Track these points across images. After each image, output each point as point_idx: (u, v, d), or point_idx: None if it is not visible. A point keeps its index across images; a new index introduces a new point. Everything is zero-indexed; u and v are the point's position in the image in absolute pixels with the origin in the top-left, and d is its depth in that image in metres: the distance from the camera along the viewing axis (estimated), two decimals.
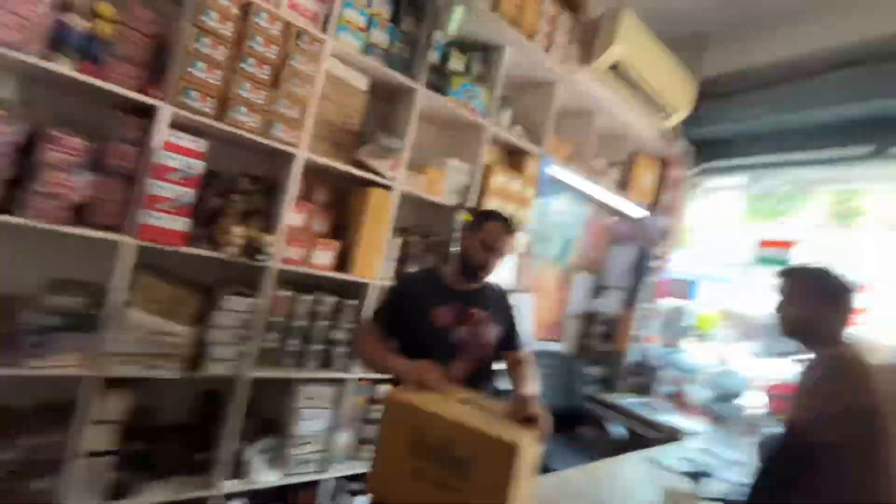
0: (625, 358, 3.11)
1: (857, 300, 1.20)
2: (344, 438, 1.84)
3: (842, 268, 1.21)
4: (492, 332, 1.34)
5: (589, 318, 3.33)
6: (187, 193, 1.35)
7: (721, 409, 3.06)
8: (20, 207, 1.15)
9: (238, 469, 1.61)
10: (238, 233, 1.47)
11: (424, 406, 0.95)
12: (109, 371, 1.28)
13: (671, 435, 2.42)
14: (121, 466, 1.39)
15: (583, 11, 2.28)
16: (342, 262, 1.77)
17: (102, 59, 1.25)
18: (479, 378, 1.31)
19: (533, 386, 1.23)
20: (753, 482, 1.11)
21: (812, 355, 1.18)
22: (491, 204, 2.15)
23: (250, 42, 1.40)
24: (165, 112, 1.30)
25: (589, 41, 2.32)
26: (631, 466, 1.71)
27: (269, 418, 1.82)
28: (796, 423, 1.08)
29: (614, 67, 2.33)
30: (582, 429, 2.75)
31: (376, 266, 1.80)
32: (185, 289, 1.45)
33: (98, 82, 1.22)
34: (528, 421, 1.00)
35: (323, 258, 1.67)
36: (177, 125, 1.36)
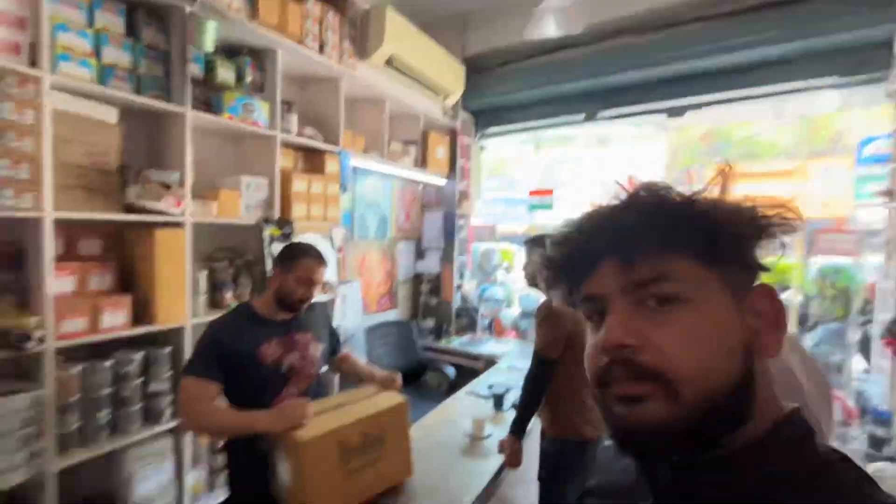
0: (451, 306, 3.67)
1: None
2: (193, 478, 1.84)
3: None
4: (318, 350, 1.48)
5: (416, 280, 3.76)
6: None
7: (526, 324, 3.96)
8: None
9: None
10: None
11: (330, 428, 1.17)
12: None
13: (489, 362, 3.07)
14: None
15: (349, 6, 2.34)
16: (141, 315, 1.65)
17: None
18: (314, 392, 1.47)
19: (369, 366, 1.60)
20: (522, 388, 1.62)
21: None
22: (297, 209, 2.20)
23: None
24: None
25: (363, 37, 2.42)
26: (456, 403, 2.19)
27: (94, 498, 1.68)
28: (537, 347, 1.60)
29: (389, 62, 2.50)
30: (426, 377, 3.24)
31: (182, 308, 1.73)
32: None
33: None
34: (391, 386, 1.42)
35: (113, 319, 1.53)
36: None
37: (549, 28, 2.94)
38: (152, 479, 1.68)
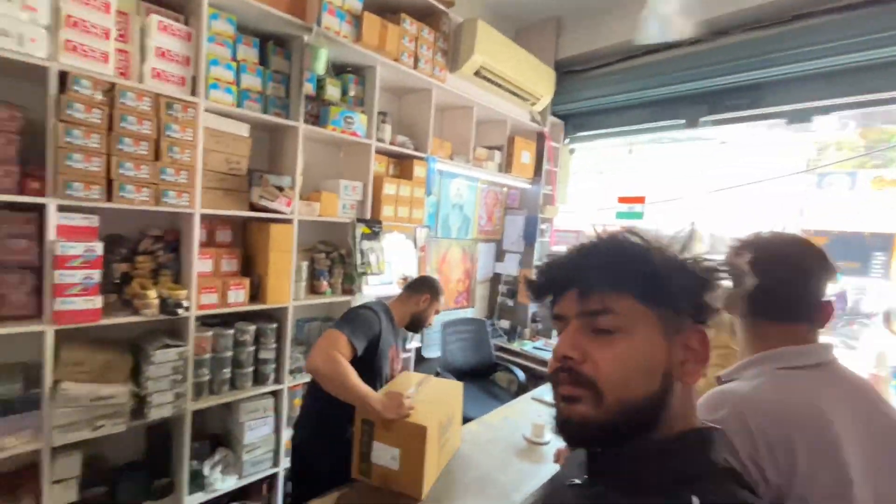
0: (527, 310, 3.69)
1: None
2: (287, 435, 2.17)
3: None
4: (401, 360, 1.79)
5: (494, 281, 3.84)
6: (93, 274, 1.49)
7: None
8: None
9: (198, 484, 1.89)
10: (152, 293, 1.64)
11: (437, 416, 1.36)
12: (56, 441, 1.46)
13: None
14: None
15: (443, 21, 2.49)
16: (256, 294, 2.00)
17: None
18: None
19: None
20: None
21: None
22: (386, 211, 2.44)
23: (122, 123, 1.50)
24: (51, 208, 1.40)
25: (455, 49, 2.56)
26: (521, 406, 2.25)
27: (217, 434, 2.10)
28: None
29: (479, 73, 2.61)
30: (495, 377, 3.33)
31: (287, 291, 2.05)
32: (113, 352, 1.62)
33: None
34: None
35: (237, 296, 1.89)
36: (66, 207, 1.46)
37: (656, 33, 2.78)
38: (258, 429, 2.04)
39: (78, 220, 1.54)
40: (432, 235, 3.18)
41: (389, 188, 2.44)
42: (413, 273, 2.69)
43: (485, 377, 3.25)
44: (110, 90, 1.47)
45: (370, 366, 1.51)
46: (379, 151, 2.47)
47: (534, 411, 2.15)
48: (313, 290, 2.26)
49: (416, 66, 2.37)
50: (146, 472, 1.85)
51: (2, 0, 1.27)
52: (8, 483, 1.51)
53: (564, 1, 3.05)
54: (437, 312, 1.73)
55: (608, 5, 2.96)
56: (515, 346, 3.43)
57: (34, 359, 1.47)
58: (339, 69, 2.25)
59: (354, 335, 1.40)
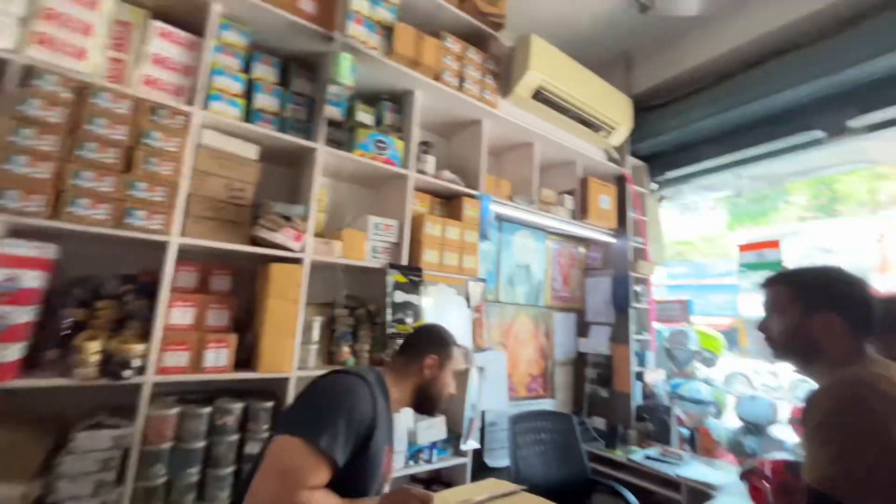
0: (630, 402, 2.72)
1: (872, 300, 0.92)
2: None
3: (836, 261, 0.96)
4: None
5: (578, 362, 2.98)
6: (11, 313, 1.09)
7: (751, 444, 2.64)
8: None
9: None
10: (92, 347, 1.19)
11: None
12: None
13: (698, 496, 2.00)
14: None
15: (492, 44, 2.19)
16: (248, 359, 1.48)
17: None
18: None
19: None
20: None
21: (814, 385, 0.89)
22: (428, 256, 1.91)
23: (88, 125, 1.22)
24: None
25: (506, 73, 2.22)
26: None
27: None
28: (817, 477, 0.76)
29: (538, 95, 2.21)
30: (594, 502, 2.30)
31: (289, 355, 1.50)
32: (25, 432, 1.14)
33: None
34: None
35: (217, 358, 1.38)
36: (16, 232, 1.14)
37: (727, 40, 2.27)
38: None
39: (24, 248, 1.20)
40: (492, 298, 2.54)
41: (432, 228, 1.94)
42: (468, 342, 2.03)
43: (577, 501, 2.24)
44: (82, 89, 1.22)
45: (353, 481, 0.87)
46: (420, 188, 2.04)
47: None
48: (330, 358, 1.70)
49: (461, 88, 2.02)
50: None
51: None
52: None
53: (631, 33, 2.69)
54: (454, 377, 1.15)
55: (682, 27, 2.53)
56: (619, 455, 2.43)
57: None
58: (371, 98, 1.97)
59: (332, 439, 0.81)
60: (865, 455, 0.74)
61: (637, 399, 2.75)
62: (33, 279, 1.14)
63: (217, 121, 1.48)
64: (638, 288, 2.88)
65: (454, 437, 1.97)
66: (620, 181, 2.90)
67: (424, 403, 1.09)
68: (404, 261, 1.86)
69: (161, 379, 1.29)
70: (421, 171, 1.98)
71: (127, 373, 1.21)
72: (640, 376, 2.80)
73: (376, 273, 1.81)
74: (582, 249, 3.14)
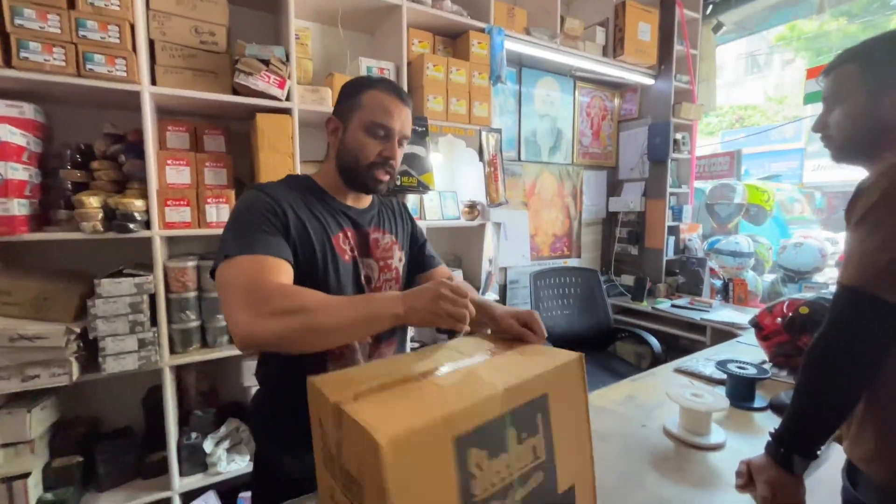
0: (661, 257, 2.63)
1: None
2: None
3: None
4: (400, 261, 0.92)
5: (608, 221, 2.85)
6: (1, 168, 1.09)
7: (790, 292, 2.54)
8: None
9: (198, 463, 1.45)
10: (92, 203, 1.21)
11: (442, 413, 0.43)
12: None
13: (723, 335, 1.98)
14: (54, 485, 1.26)
15: None
16: None
17: None
18: (392, 332, 0.88)
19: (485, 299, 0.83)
20: (806, 367, 0.70)
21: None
22: (432, 103, 1.73)
23: None
24: None
25: None
26: (659, 382, 1.33)
27: (232, 402, 1.65)
28: (852, 275, 0.65)
29: None
30: (616, 348, 2.38)
31: None
32: (54, 282, 1.23)
33: None
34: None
35: (219, 213, 1.38)
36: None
37: None
38: None
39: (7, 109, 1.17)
40: (512, 156, 2.37)
41: (434, 71, 1.72)
42: (482, 198, 1.94)
43: (600, 348, 2.33)
44: None
45: (321, 275, 0.77)
46: (418, 24, 1.77)
47: (679, 391, 1.22)
48: None
49: None
50: (139, 442, 1.46)
51: None
52: None
53: None
54: (381, 128, 0.79)
55: None
56: (644, 305, 2.42)
57: None
58: None
59: (258, 247, 0.67)
60: None
61: (669, 254, 2.65)
62: (12, 134, 1.11)
63: None
64: (679, 136, 2.57)
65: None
66: (667, 4, 2.40)
67: (349, 178, 0.82)
68: None
69: (167, 233, 1.32)
70: (416, 1, 1.69)
71: (132, 226, 1.23)
72: (673, 231, 2.65)
73: None
74: (617, 99, 2.78)
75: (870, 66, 0.74)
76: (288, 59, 1.46)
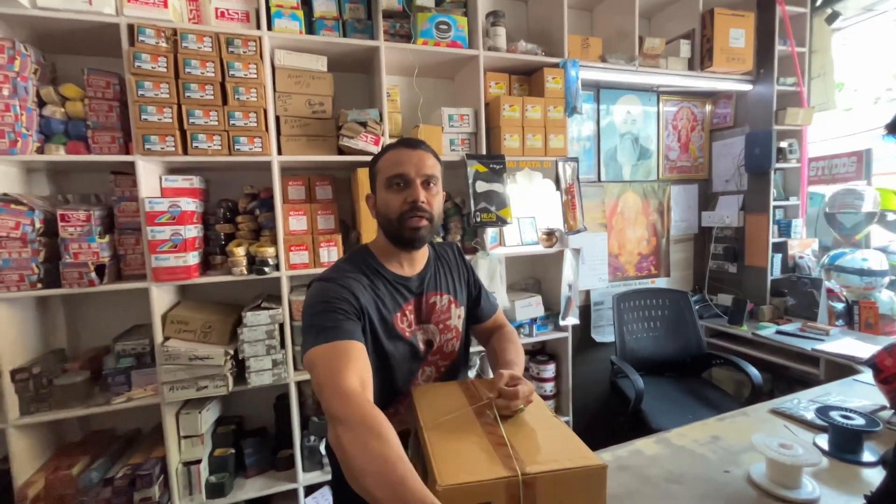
0: (764, 276, 2.41)
1: None
2: None
3: None
4: (459, 318, 0.97)
5: (701, 238, 2.68)
6: (180, 231, 1.45)
7: None
8: (56, 279, 1.37)
9: (316, 461, 1.73)
10: (240, 251, 1.54)
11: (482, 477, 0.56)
12: (168, 398, 1.47)
13: (839, 369, 1.79)
14: (216, 470, 1.62)
15: None
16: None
17: (83, 134, 1.41)
18: (453, 376, 0.99)
19: (514, 360, 0.93)
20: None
21: None
22: (509, 142, 1.84)
23: (187, 69, 1.41)
24: (139, 164, 1.41)
25: None
26: (749, 423, 1.29)
27: None
28: None
29: None
30: (710, 375, 2.25)
31: None
32: (215, 313, 1.59)
33: (86, 157, 1.39)
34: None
35: (329, 255, 1.65)
36: (172, 170, 1.48)
37: None
38: None
39: (179, 181, 1.56)
40: (591, 179, 2.38)
41: (510, 111, 1.84)
42: (562, 225, 2.00)
43: (692, 375, 2.22)
44: (173, 34, 1.40)
45: (381, 356, 0.85)
46: (495, 67, 1.90)
47: (771, 435, 1.17)
48: None
49: None
50: (273, 440, 1.79)
51: None
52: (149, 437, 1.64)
53: None
54: (399, 180, 0.84)
55: None
56: (744, 330, 2.26)
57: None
58: None
59: (337, 333, 0.73)
60: None
61: (775, 273, 2.42)
62: (188, 204, 1.48)
63: (284, 39, 1.56)
64: (784, 144, 2.34)
65: (553, 315, 2.06)
66: (764, 4, 2.22)
67: (392, 239, 0.88)
68: (483, 149, 1.84)
69: (292, 273, 1.61)
70: (492, 49, 1.82)
71: (267, 269, 1.55)
72: (780, 248, 2.42)
73: (456, 166, 1.83)
74: (708, 107, 2.62)
75: None
76: (381, 118, 1.68)
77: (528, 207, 1.99)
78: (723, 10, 2.13)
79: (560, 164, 1.97)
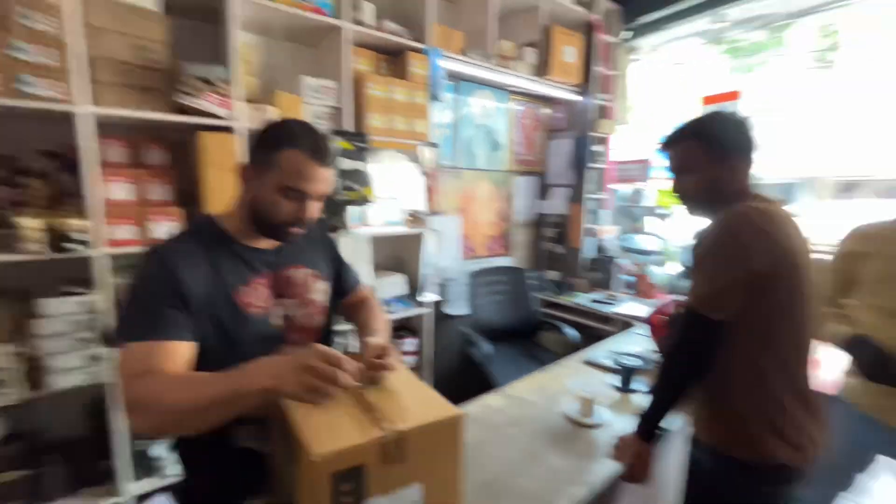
0: (579, 255, 2.96)
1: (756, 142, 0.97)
2: None
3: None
4: (321, 292, 0.96)
5: (537, 223, 3.13)
6: None
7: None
8: None
9: (146, 466, 1.51)
10: (34, 224, 1.21)
11: (354, 442, 0.59)
12: None
13: (626, 326, 2.33)
14: (7, 496, 1.28)
15: None
16: None
17: None
18: None
19: (378, 328, 0.97)
20: (662, 365, 0.97)
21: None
22: (374, 121, 1.84)
23: None
24: None
25: None
26: (565, 372, 1.60)
27: None
28: (692, 298, 0.91)
29: None
30: (540, 338, 2.69)
31: None
32: None
33: None
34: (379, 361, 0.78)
35: (164, 230, 1.42)
36: None
37: None
38: None
39: None
40: (450, 165, 2.54)
41: (377, 90, 1.83)
42: (423, 207, 2.10)
43: (527, 338, 2.62)
44: None
45: (223, 337, 0.78)
46: (360, 43, 1.86)
47: (581, 379, 1.50)
48: None
49: None
50: (85, 452, 1.49)
51: None
52: None
53: None
54: (295, 191, 0.78)
55: None
56: (566, 299, 2.75)
57: None
58: None
59: (150, 331, 0.69)
60: (725, 277, 0.87)
61: (590, 253, 2.99)
62: None
63: None
64: (597, 148, 2.88)
65: (414, 292, 2.17)
66: (588, 29, 2.66)
67: (259, 229, 0.83)
68: (348, 126, 1.80)
69: (113, 251, 1.34)
70: (358, 22, 1.78)
71: (74, 246, 1.26)
72: (592, 232, 2.99)
73: None
74: (547, 110, 3.03)
75: (709, 144, 0.97)
76: (231, 78, 1.50)
77: (392, 188, 2.04)
78: (561, 27, 2.49)
79: (422, 149, 2.05)
